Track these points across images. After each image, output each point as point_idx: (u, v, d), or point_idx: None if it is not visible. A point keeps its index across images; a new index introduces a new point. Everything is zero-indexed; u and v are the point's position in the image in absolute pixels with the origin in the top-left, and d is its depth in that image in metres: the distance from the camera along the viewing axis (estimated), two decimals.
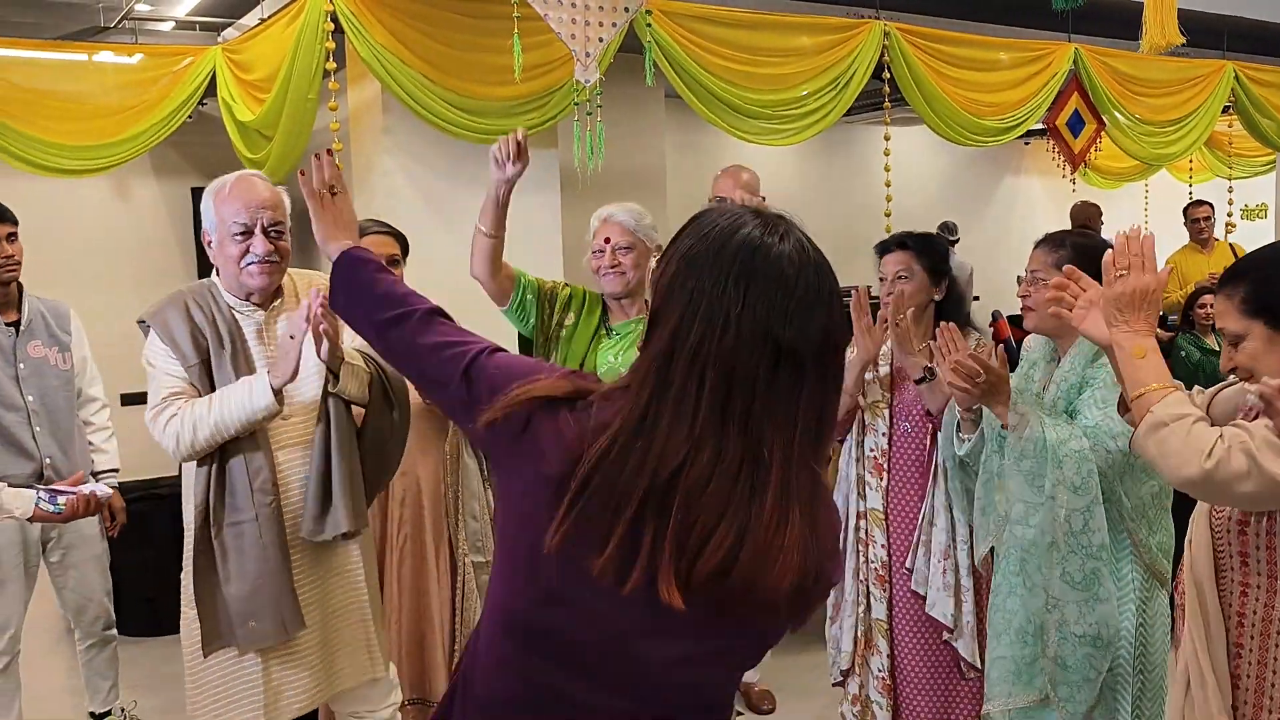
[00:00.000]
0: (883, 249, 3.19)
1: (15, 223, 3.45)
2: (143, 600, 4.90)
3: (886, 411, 3.14)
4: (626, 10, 3.83)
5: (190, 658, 2.55)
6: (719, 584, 1.19)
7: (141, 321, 2.57)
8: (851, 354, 3.12)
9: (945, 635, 3.07)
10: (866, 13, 5.67)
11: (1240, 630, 1.87)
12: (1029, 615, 2.51)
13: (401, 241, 3.38)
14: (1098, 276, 2.48)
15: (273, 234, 2.51)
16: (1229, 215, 7.99)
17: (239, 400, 2.41)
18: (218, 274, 2.60)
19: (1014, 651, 2.53)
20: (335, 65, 4.49)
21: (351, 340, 2.61)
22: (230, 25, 5.82)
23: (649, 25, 4.47)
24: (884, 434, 3.13)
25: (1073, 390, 2.52)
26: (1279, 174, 8.57)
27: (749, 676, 3.99)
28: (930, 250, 3.13)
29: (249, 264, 2.49)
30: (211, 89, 5.51)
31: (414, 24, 4.59)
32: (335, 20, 4.41)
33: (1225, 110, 7.06)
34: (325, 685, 2.62)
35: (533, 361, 1.42)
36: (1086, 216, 7.97)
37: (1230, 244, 7.58)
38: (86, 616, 3.72)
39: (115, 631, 3.85)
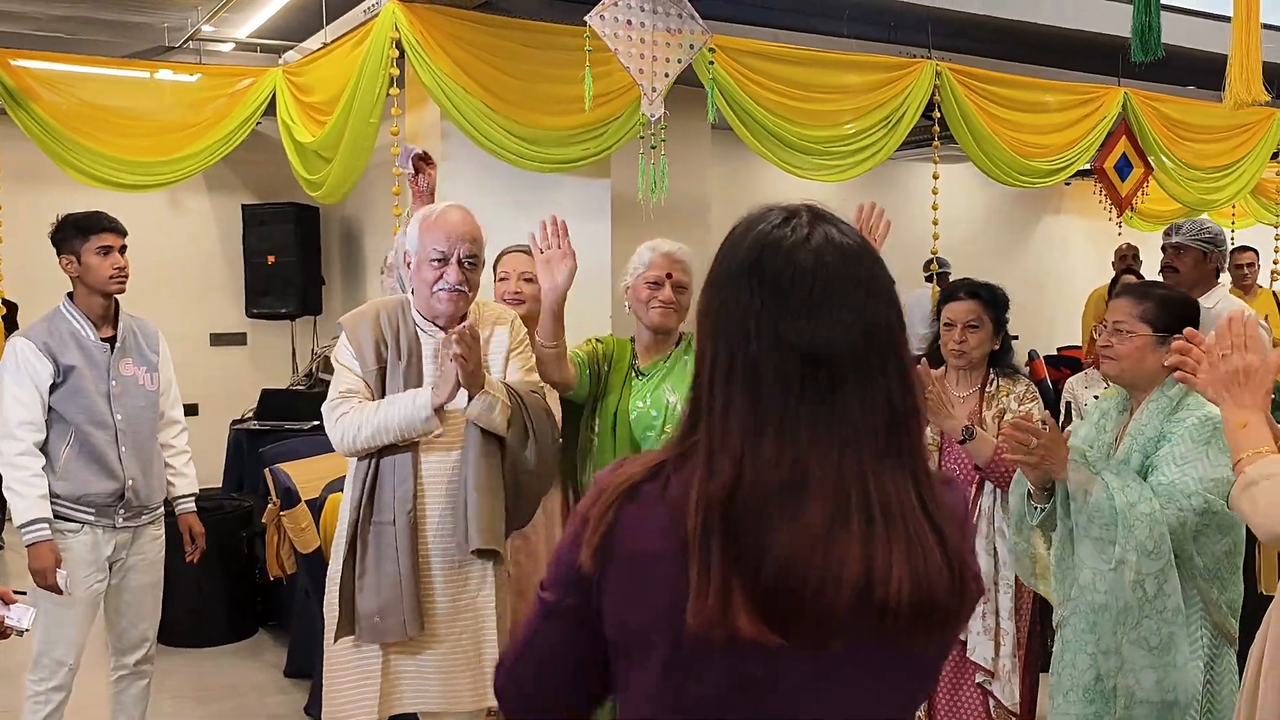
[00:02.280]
0: (949, 295, 3.24)
1: (125, 234, 3.40)
2: (187, 611, 4.96)
3: (936, 455, 3.18)
4: (692, 47, 3.89)
5: (327, 639, 2.74)
6: (785, 604, 1.09)
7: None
8: None
9: (980, 678, 3.09)
10: (919, 52, 5.72)
11: None
12: (1099, 674, 2.48)
13: None
14: (1181, 326, 2.52)
15: (466, 265, 2.68)
16: (1275, 263, 7.96)
17: (402, 409, 2.58)
18: (413, 293, 2.79)
19: (1079, 709, 2.50)
20: (397, 90, 4.57)
21: (501, 374, 2.76)
22: (292, 48, 5.93)
23: (711, 63, 4.52)
24: None
25: (1150, 444, 2.49)
26: None
27: None
28: (997, 301, 3.22)
29: (440, 289, 2.67)
30: (269, 109, 5.62)
31: (477, 53, 4.67)
32: (398, 46, 4.50)
33: (1274, 157, 7.05)
34: (445, 698, 2.72)
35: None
36: (1123, 255, 8.04)
37: (1274, 291, 7.55)
38: (127, 642, 3.45)
39: (152, 668, 3.55)
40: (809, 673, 1.15)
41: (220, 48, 6.09)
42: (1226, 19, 6.69)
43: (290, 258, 7.27)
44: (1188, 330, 2.09)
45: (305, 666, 4.36)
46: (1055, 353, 8.55)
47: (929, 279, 6.30)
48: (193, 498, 3.63)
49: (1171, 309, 2.54)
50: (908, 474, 1.15)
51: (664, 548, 1.13)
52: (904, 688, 1.23)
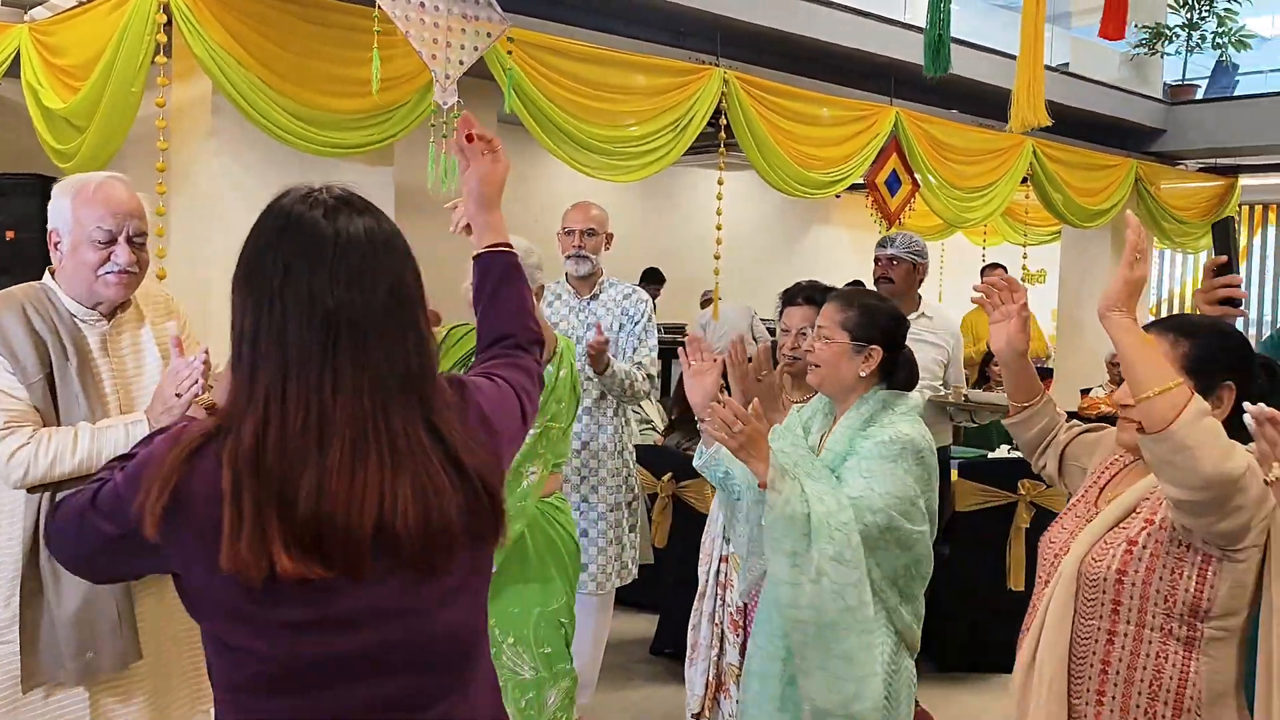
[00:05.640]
0: (788, 299, 3.24)
1: None
2: None
3: None
4: (489, 36, 3.77)
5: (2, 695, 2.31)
6: (319, 537, 1.22)
7: None
8: None
9: None
10: (707, 59, 5.80)
11: (1103, 678, 1.95)
12: (791, 680, 2.47)
13: None
14: (883, 338, 2.54)
15: (136, 243, 2.40)
16: (1021, 280, 8.55)
17: (114, 443, 2.26)
18: (52, 275, 2.41)
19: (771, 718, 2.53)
20: (166, 59, 4.23)
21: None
22: (40, 4, 5.41)
23: (510, 53, 4.41)
24: None
25: (837, 459, 2.50)
26: (1063, 244, 9.25)
27: (582, 698, 3.83)
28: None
29: (108, 273, 2.35)
30: (12, 70, 5.12)
31: (254, 25, 4.38)
32: (166, 11, 4.17)
33: (1023, 181, 7.57)
34: (158, 714, 2.45)
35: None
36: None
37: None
38: None
39: None
40: (364, 601, 1.28)
41: None
42: (989, 49, 7.13)
43: (32, 234, 6.60)
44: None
45: None
46: None
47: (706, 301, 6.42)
48: None
49: (875, 319, 2.55)
50: (419, 418, 1.31)
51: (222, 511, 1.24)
52: (458, 603, 1.36)
